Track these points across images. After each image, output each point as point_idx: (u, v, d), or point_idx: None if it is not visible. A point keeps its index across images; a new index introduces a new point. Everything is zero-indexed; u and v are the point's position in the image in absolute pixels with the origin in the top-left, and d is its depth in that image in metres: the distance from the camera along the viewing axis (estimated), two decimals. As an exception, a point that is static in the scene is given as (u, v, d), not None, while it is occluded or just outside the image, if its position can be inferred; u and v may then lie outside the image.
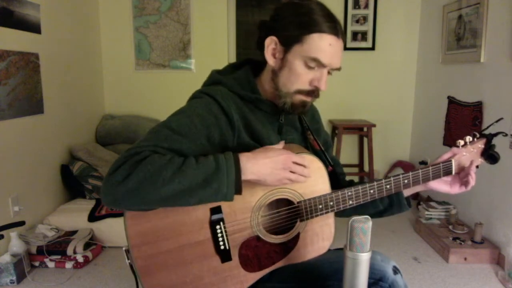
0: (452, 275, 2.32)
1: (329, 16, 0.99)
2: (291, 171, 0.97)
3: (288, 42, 1.00)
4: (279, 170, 0.95)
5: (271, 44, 1.02)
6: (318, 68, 1.00)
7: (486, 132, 1.19)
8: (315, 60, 0.98)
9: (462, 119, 2.85)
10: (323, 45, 0.97)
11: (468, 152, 1.16)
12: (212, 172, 0.88)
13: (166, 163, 0.86)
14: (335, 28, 0.98)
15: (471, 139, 1.17)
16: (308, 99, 1.05)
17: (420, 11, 3.65)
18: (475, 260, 2.44)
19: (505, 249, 2.35)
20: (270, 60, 1.04)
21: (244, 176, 0.92)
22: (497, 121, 1.31)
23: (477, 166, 1.17)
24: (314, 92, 1.04)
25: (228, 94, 1.03)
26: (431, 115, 3.39)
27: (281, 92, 1.04)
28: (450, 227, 2.70)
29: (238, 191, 0.91)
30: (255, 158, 0.93)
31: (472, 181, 1.15)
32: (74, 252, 2.38)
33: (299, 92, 1.03)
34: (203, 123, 0.96)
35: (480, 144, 1.17)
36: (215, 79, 1.09)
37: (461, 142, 1.16)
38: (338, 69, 1.03)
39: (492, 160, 1.16)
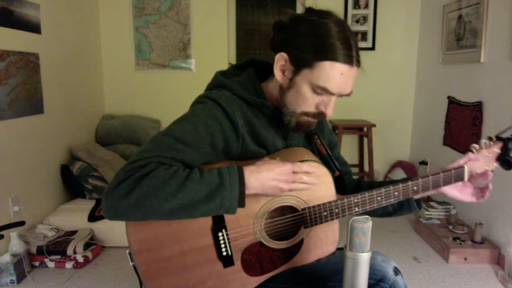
0: (452, 275, 2.32)
1: (346, 41, 0.92)
2: (293, 181, 0.96)
3: (298, 64, 0.96)
4: (282, 183, 0.94)
5: (280, 60, 0.99)
6: (326, 94, 0.97)
7: (503, 135, 1.12)
8: (323, 89, 0.95)
9: (462, 119, 2.84)
10: (334, 74, 0.93)
11: (483, 158, 1.10)
12: (215, 187, 0.88)
13: (169, 178, 0.85)
14: (350, 56, 0.93)
15: (486, 142, 1.11)
16: (314, 120, 1.03)
17: (420, 11, 3.65)
18: (475, 260, 2.44)
19: (505, 249, 2.35)
20: (278, 76, 1.00)
21: (248, 191, 0.91)
22: None
23: (491, 171, 1.12)
24: (320, 115, 1.02)
25: (232, 99, 1.00)
26: (431, 115, 3.39)
27: (287, 110, 1.02)
28: (450, 227, 2.70)
29: (241, 205, 0.91)
30: (258, 172, 0.92)
31: (488, 195, 1.10)
32: (74, 252, 2.38)
33: (305, 114, 1.01)
34: (207, 130, 0.94)
35: (496, 149, 1.10)
36: (219, 82, 1.07)
37: (476, 147, 1.10)
38: (348, 94, 1.00)
39: (507, 165, 1.09)
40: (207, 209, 0.88)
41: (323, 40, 0.92)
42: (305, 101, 0.99)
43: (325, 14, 0.95)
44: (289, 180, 0.95)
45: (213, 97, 0.99)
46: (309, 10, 0.98)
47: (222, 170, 0.90)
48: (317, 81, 0.94)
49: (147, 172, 0.85)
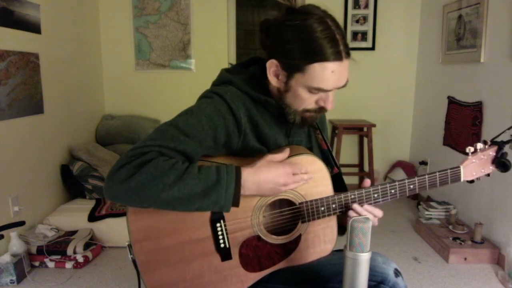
0: (452, 275, 2.32)
1: (332, 38, 0.92)
2: (294, 182, 0.97)
3: (289, 70, 0.97)
4: (279, 186, 0.95)
5: (272, 67, 1.00)
6: (323, 92, 0.98)
7: (498, 139, 1.16)
8: (318, 89, 0.96)
9: (462, 119, 2.84)
10: (326, 74, 0.94)
11: (478, 159, 1.13)
12: (211, 184, 0.89)
13: (169, 169, 0.87)
14: (339, 52, 0.92)
15: (482, 146, 1.14)
16: (317, 114, 1.04)
17: (420, 11, 3.65)
18: (475, 260, 2.44)
19: (505, 249, 2.35)
20: (273, 81, 1.01)
21: (243, 191, 0.93)
22: (509, 129, 1.27)
23: (488, 175, 1.15)
24: (322, 109, 1.03)
25: (237, 95, 1.02)
26: (431, 115, 3.39)
27: (289, 110, 1.03)
28: (450, 227, 2.70)
29: (236, 204, 0.92)
30: (256, 174, 0.93)
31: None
32: (74, 252, 2.38)
33: (307, 111, 1.02)
34: (210, 124, 0.96)
35: (491, 152, 1.14)
36: (225, 78, 1.08)
37: (471, 149, 1.13)
38: (345, 85, 1.00)
39: (503, 168, 1.13)
40: (202, 204, 0.89)
41: (309, 43, 0.92)
42: (304, 101, 1.00)
43: (306, 14, 0.94)
44: (287, 182, 0.96)
45: (220, 93, 1.00)
46: (289, 13, 0.97)
47: (220, 168, 0.91)
48: (311, 83, 0.95)
49: (147, 160, 0.87)
